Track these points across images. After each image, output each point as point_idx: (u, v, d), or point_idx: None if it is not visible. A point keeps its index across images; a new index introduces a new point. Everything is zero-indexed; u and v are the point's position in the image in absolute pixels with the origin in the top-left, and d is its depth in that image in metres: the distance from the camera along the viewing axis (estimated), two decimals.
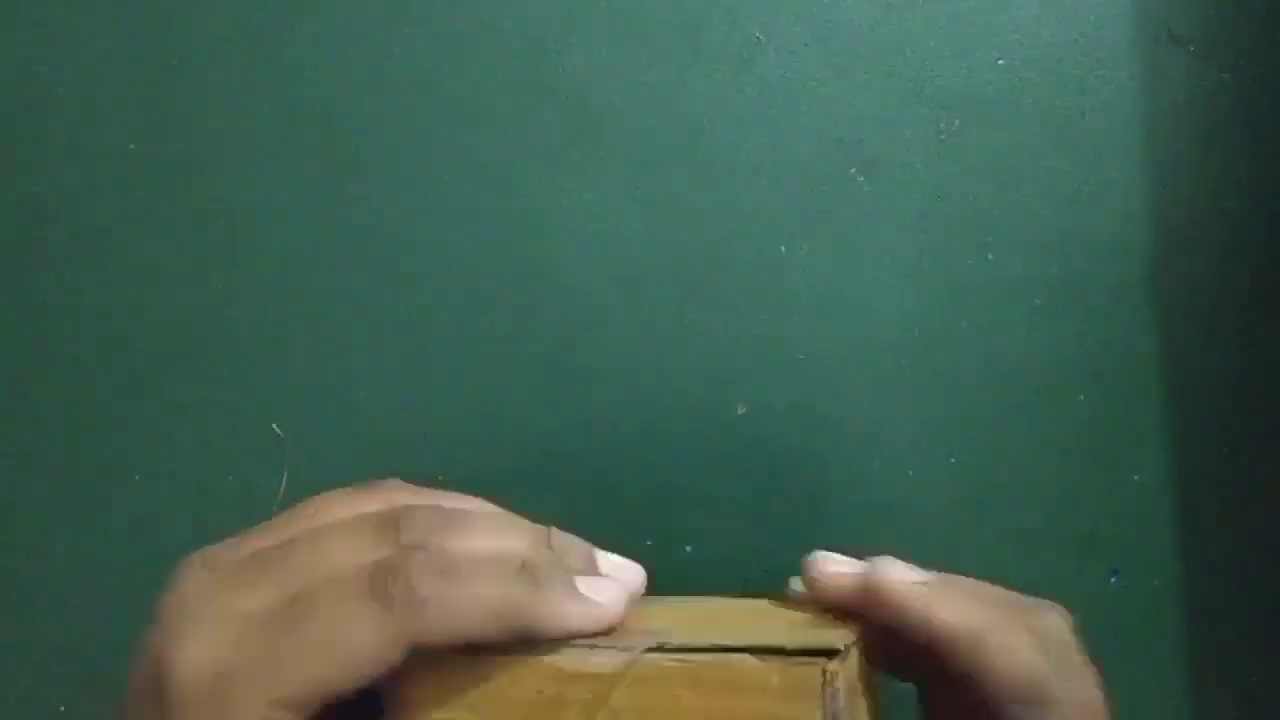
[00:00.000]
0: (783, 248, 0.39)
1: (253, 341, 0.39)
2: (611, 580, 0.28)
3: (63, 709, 0.36)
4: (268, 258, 0.39)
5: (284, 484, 0.38)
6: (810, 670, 0.25)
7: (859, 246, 0.39)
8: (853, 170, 0.40)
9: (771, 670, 0.25)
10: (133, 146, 0.40)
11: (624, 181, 0.40)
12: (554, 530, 0.28)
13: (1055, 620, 0.30)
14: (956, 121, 0.40)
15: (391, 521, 0.26)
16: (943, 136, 0.40)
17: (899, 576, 0.29)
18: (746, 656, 0.26)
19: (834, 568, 0.30)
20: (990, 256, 0.39)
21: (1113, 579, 0.38)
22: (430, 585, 0.25)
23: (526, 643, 0.26)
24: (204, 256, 0.39)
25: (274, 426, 0.39)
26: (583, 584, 0.27)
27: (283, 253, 0.39)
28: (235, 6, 0.41)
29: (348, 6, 0.41)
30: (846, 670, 0.26)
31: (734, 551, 0.38)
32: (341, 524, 0.27)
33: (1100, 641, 0.38)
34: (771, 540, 0.38)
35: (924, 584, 0.29)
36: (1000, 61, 0.41)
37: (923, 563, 0.36)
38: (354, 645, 0.25)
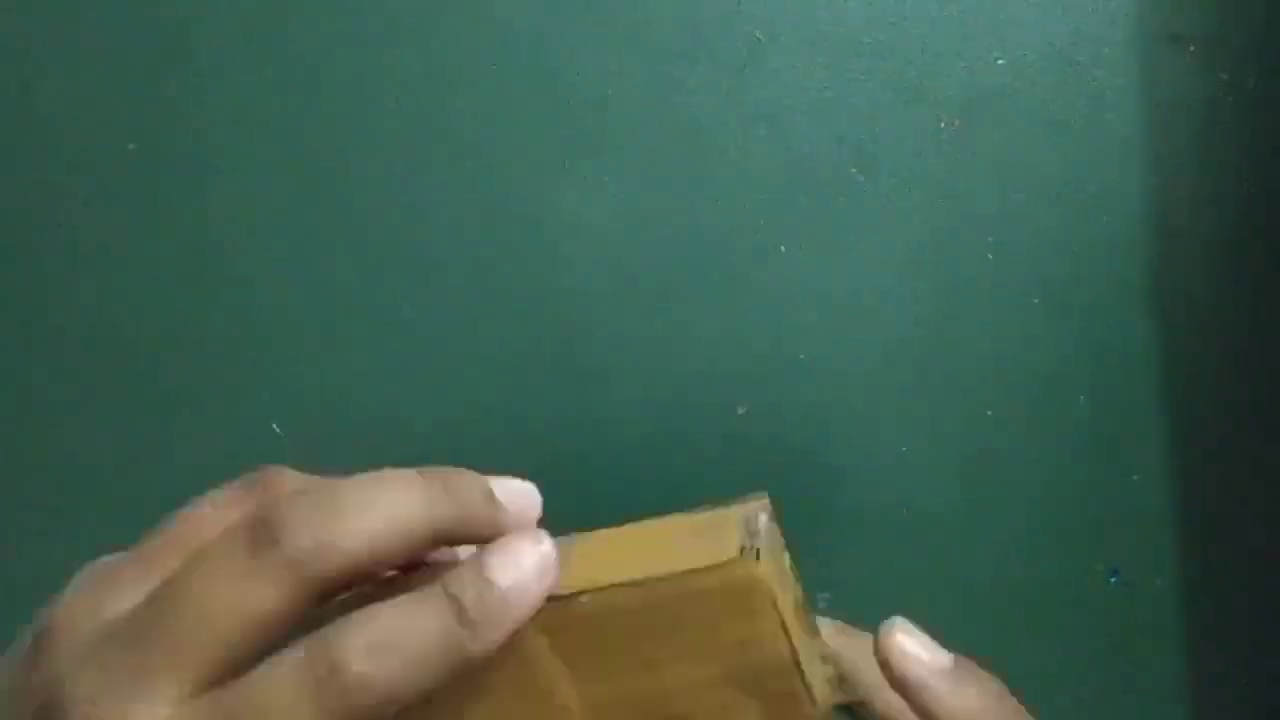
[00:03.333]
0: (783, 247, 0.39)
1: (253, 342, 0.39)
2: (516, 482, 0.26)
3: None
4: (267, 259, 0.39)
5: None
6: (728, 513, 0.27)
7: (859, 246, 0.39)
8: (853, 170, 0.40)
9: (693, 523, 0.27)
10: (132, 146, 0.40)
11: (624, 181, 0.40)
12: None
13: None
14: (957, 121, 0.40)
15: (250, 485, 0.24)
16: (943, 136, 0.40)
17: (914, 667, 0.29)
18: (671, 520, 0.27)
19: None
20: (990, 256, 0.39)
21: (1113, 579, 0.38)
22: (302, 515, 0.22)
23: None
24: (204, 257, 0.39)
25: (274, 426, 0.39)
26: (491, 482, 0.25)
27: (282, 253, 0.39)
28: (236, 8, 0.41)
29: (348, 7, 0.41)
30: (767, 516, 0.27)
31: None
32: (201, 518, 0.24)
33: (1100, 641, 0.38)
34: None
35: (940, 673, 0.29)
36: (1000, 61, 0.41)
37: (924, 570, 0.37)
38: (247, 610, 0.22)
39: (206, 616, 0.22)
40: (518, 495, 0.26)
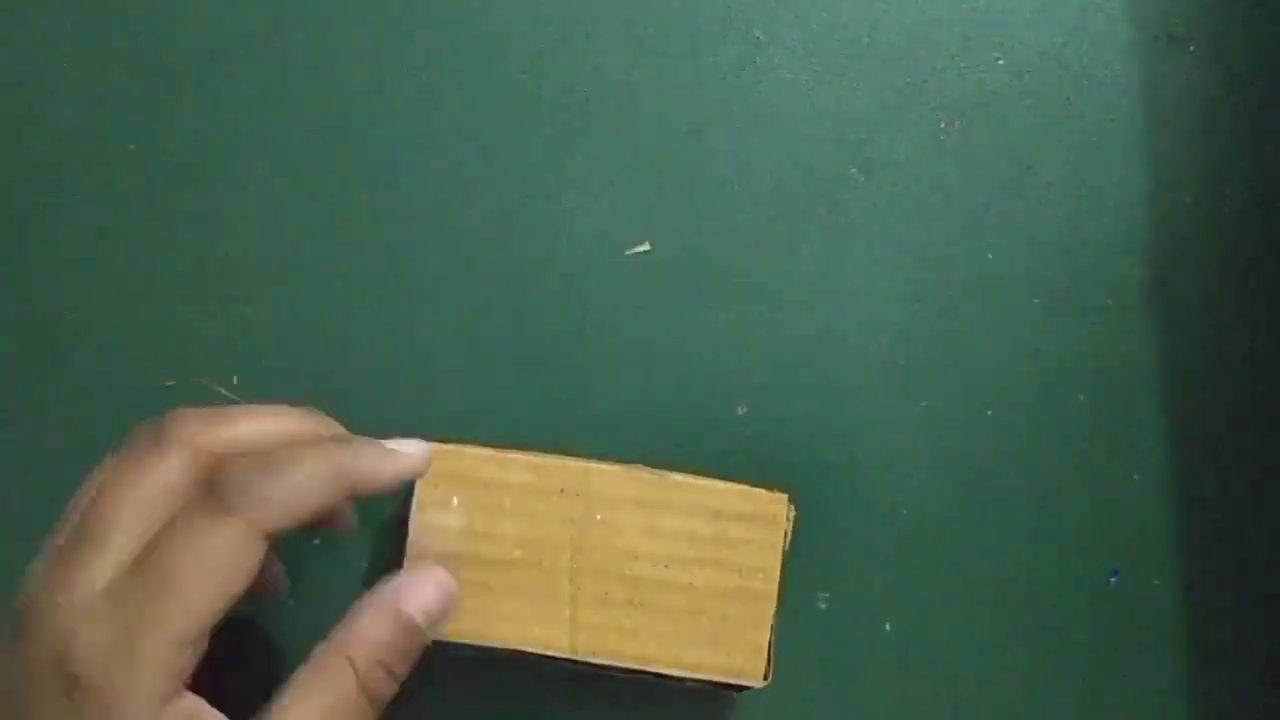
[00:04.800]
0: (782, 247, 0.39)
1: (254, 342, 0.39)
2: (404, 439, 0.31)
3: None
4: (267, 259, 0.39)
5: None
6: (777, 497, 0.33)
7: (859, 246, 0.39)
8: (853, 170, 0.40)
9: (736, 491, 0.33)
10: (133, 147, 0.40)
11: (623, 181, 0.40)
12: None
13: None
14: (956, 121, 0.40)
15: (174, 441, 0.28)
16: (943, 136, 0.40)
17: None
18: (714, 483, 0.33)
19: None
20: (990, 256, 0.39)
21: (1113, 579, 0.38)
22: (258, 481, 0.27)
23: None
24: (203, 256, 0.39)
25: None
26: (386, 442, 0.30)
27: (281, 254, 0.39)
28: (236, 7, 0.41)
29: (349, 8, 0.41)
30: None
31: None
32: (122, 483, 0.28)
33: (1100, 641, 0.38)
34: None
35: None
36: (1000, 61, 0.41)
37: (924, 569, 0.37)
38: (223, 558, 0.27)
39: (189, 578, 0.26)
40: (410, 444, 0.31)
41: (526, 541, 0.32)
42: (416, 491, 0.32)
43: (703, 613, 0.32)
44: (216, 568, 0.27)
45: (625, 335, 0.39)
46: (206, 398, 0.38)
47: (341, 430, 0.32)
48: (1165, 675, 0.38)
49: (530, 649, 0.31)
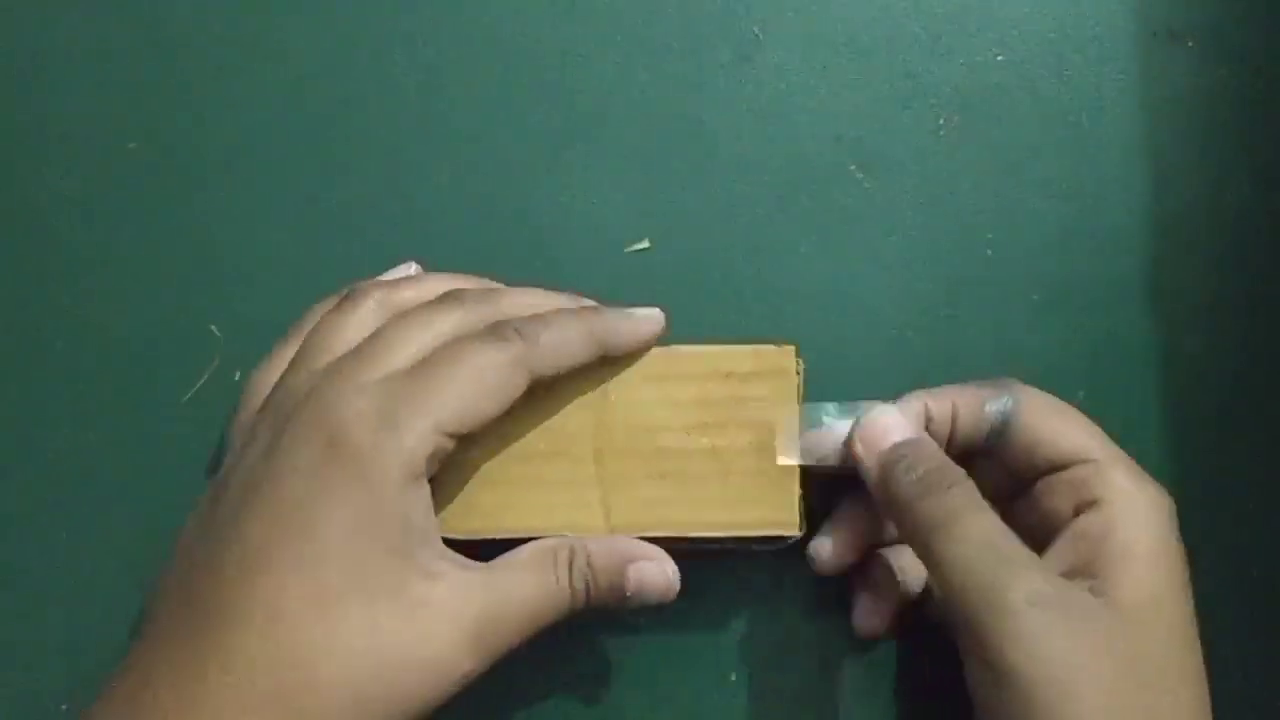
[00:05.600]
0: (782, 244, 0.39)
1: (253, 342, 0.39)
2: (641, 307, 0.34)
3: (64, 708, 0.36)
4: (265, 259, 0.39)
5: None
6: (785, 350, 0.33)
7: (858, 243, 0.39)
8: (852, 167, 0.40)
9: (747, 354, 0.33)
10: (133, 146, 0.40)
11: (622, 179, 0.40)
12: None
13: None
14: (956, 118, 0.40)
15: (458, 298, 0.32)
16: (942, 133, 0.40)
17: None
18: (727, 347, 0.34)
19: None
20: (989, 253, 0.39)
21: None
22: (533, 328, 0.30)
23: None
24: (203, 256, 0.39)
25: None
26: (626, 309, 0.33)
27: (282, 253, 0.39)
28: (236, 7, 0.41)
29: (349, 7, 0.41)
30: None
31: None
32: (422, 307, 0.32)
33: None
34: None
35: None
36: (999, 58, 0.41)
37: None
38: (491, 376, 0.29)
39: (459, 378, 0.29)
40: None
41: (547, 431, 0.33)
42: None
43: (729, 472, 0.32)
44: (483, 379, 0.29)
45: None
46: (208, 396, 0.38)
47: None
48: None
49: (568, 533, 0.32)
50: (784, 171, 0.40)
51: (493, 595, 0.29)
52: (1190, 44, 0.40)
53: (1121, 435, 0.33)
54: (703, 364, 0.33)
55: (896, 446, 0.31)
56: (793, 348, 0.33)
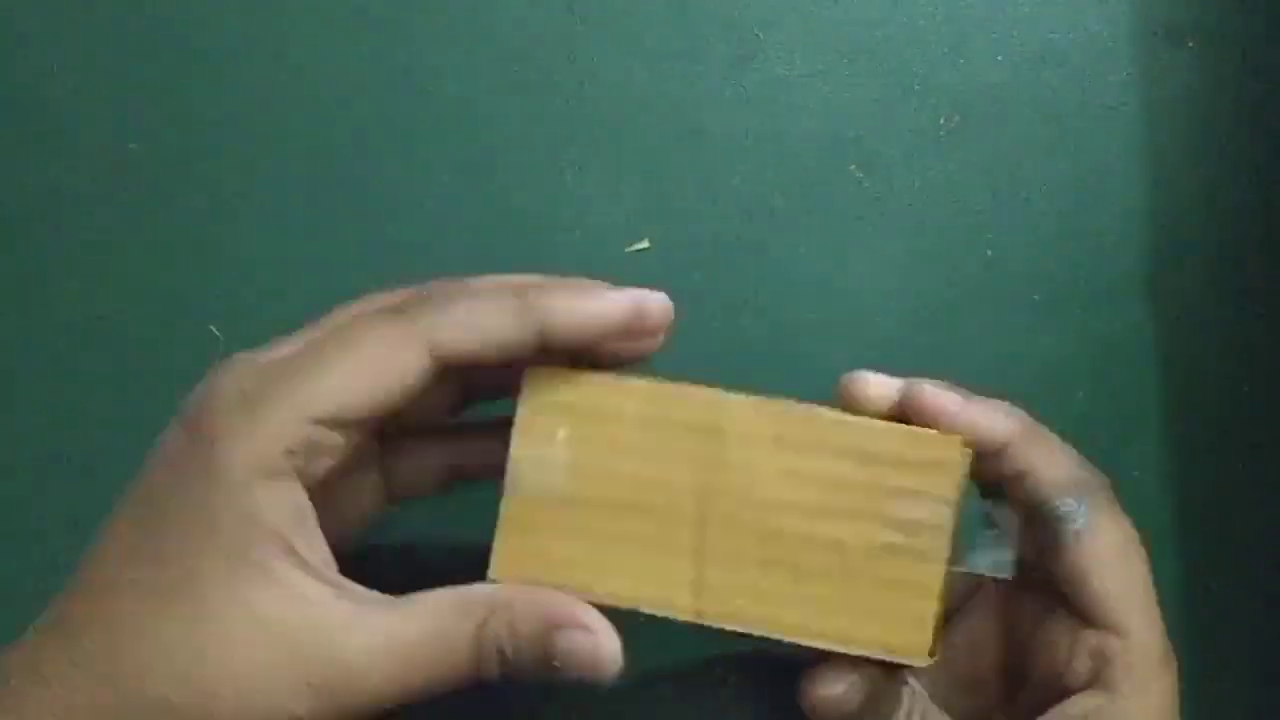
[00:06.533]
0: (781, 244, 0.39)
1: (254, 342, 0.39)
2: (625, 288, 0.28)
3: None
4: (265, 258, 0.39)
5: None
6: (950, 440, 0.27)
7: (858, 243, 0.39)
8: (852, 167, 0.40)
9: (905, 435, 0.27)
10: (133, 146, 0.40)
11: (622, 178, 0.40)
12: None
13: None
14: (956, 118, 0.40)
15: (418, 285, 0.28)
16: (942, 133, 0.40)
17: (933, 390, 0.29)
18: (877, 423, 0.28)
19: (874, 388, 0.29)
20: (989, 253, 0.39)
21: None
22: (438, 298, 0.26)
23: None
24: (204, 256, 0.39)
25: None
26: (595, 286, 0.28)
27: (282, 252, 0.39)
28: (236, 6, 0.41)
29: (348, 4, 0.41)
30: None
31: None
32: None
33: None
34: None
35: (961, 398, 0.29)
36: (1000, 58, 0.41)
37: None
38: (380, 354, 0.25)
39: (336, 360, 0.25)
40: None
41: (643, 483, 0.27)
42: (516, 421, 0.28)
43: (853, 574, 0.27)
44: (367, 358, 0.25)
45: None
46: None
47: None
48: None
49: (645, 609, 0.27)
50: (784, 171, 0.40)
51: (359, 636, 0.24)
52: (1190, 44, 0.40)
53: (1121, 435, 0.33)
54: (845, 436, 0.27)
55: None
56: (959, 438, 0.27)
